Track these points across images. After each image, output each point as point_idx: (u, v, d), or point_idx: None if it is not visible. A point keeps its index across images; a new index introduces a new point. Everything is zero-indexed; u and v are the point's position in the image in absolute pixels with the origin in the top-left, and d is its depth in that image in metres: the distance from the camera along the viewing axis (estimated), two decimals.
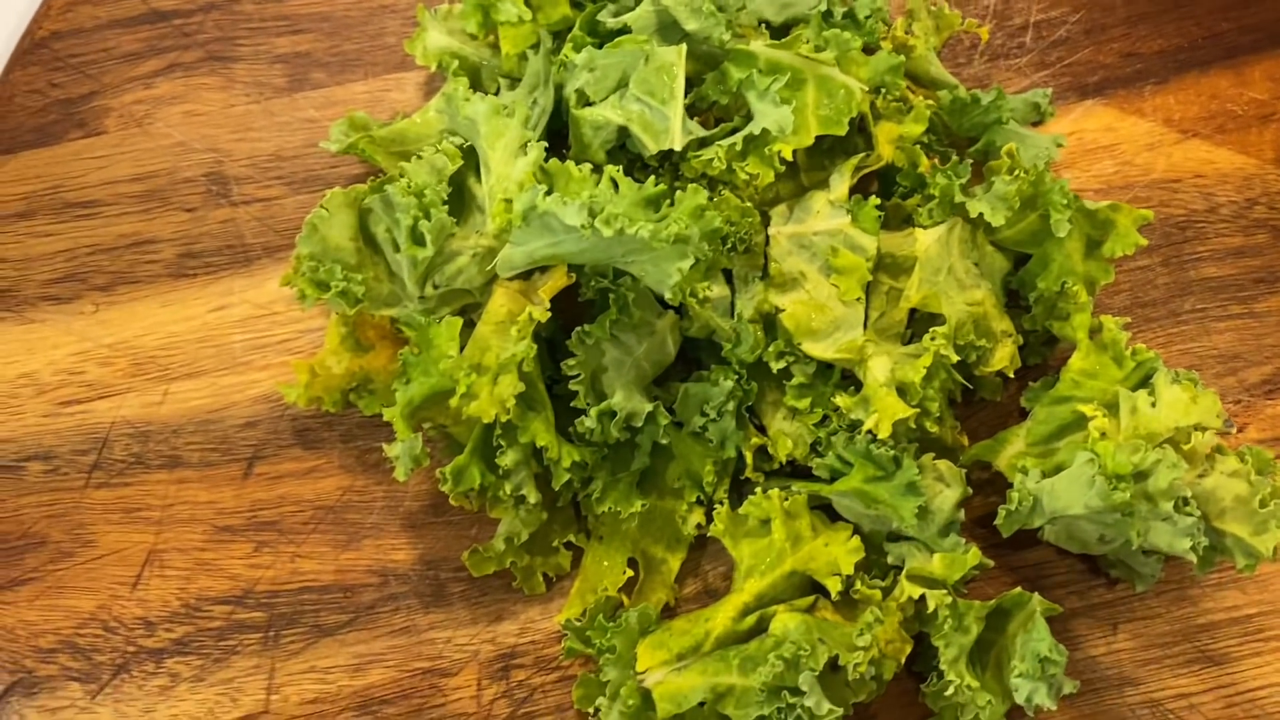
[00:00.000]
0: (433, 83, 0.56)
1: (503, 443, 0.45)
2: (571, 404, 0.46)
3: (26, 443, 0.49)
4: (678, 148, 0.46)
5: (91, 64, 0.54)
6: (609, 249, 0.43)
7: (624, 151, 0.48)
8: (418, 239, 0.45)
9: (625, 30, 0.49)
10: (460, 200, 0.46)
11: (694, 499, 0.48)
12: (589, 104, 0.47)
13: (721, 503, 0.48)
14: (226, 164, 0.54)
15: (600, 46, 0.49)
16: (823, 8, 0.50)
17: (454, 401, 0.43)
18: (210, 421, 0.51)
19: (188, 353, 0.51)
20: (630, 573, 0.49)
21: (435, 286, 0.46)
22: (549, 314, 0.45)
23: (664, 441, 0.47)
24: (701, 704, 0.43)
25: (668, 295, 0.44)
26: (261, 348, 0.52)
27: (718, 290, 0.47)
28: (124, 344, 0.51)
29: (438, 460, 0.49)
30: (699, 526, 0.49)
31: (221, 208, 0.53)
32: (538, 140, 0.46)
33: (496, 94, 0.53)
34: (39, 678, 0.47)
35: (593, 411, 0.45)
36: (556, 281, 0.44)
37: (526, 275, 0.45)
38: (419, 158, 0.47)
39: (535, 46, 0.51)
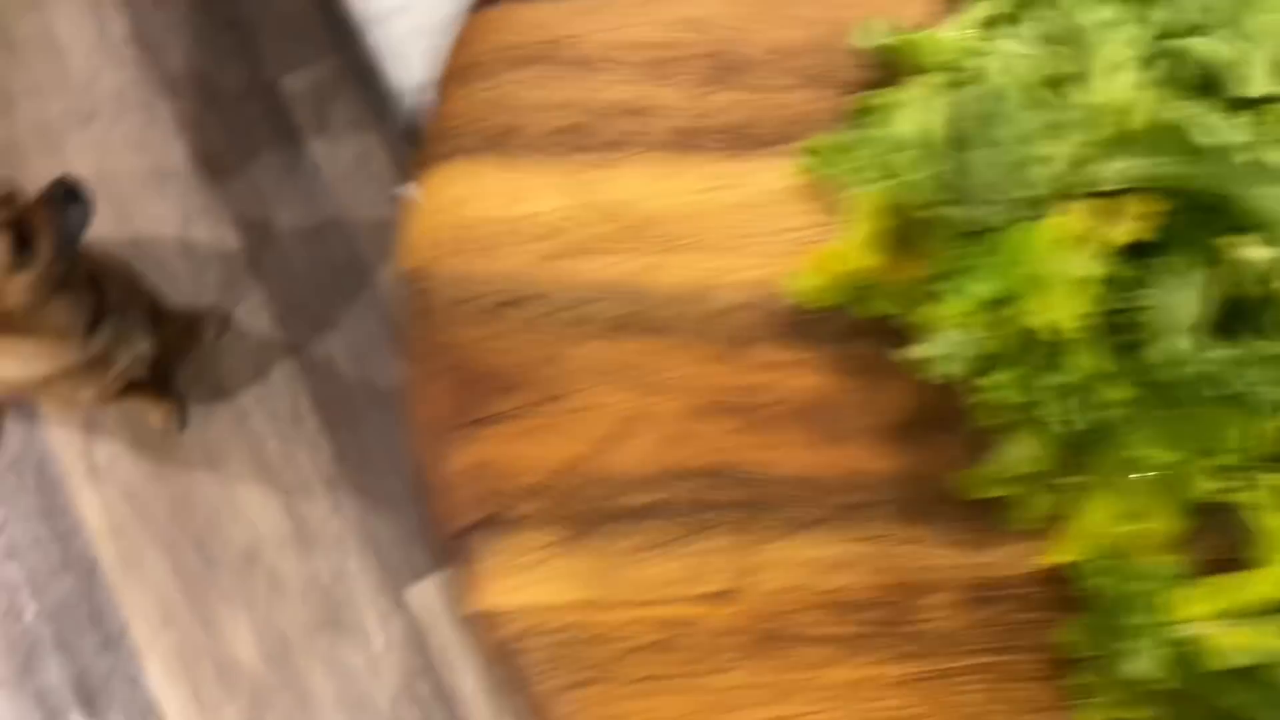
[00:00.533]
0: (951, 1, 0.54)
1: (1053, 363, 0.43)
2: (1126, 338, 0.44)
3: (517, 284, 0.49)
4: (1264, 92, 0.44)
5: None
6: (1223, 178, 0.41)
7: (1209, 91, 0.46)
8: (1001, 140, 0.43)
9: None
10: (1046, 108, 0.45)
11: (1217, 463, 0.46)
12: (1185, 36, 0.45)
13: (1245, 471, 0.46)
14: (740, 47, 0.53)
15: None
16: None
17: (1018, 311, 0.42)
18: (701, 297, 0.50)
19: (683, 226, 0.50)
20: (1130, 526, 0.47)
21: (1007, 192, 0.44)
22: (1132, 237, 0.43)
23: (1208, 394, 0.45)
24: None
25: None
26: (759, 235, 0.51)
27: None
28: (621, 205, 0.51)
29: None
30: (1213, 492, 0.46)
31: (727, 90, 0.52)
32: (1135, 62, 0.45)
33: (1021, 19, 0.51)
34: (511, 517, 0.47)
35: (1154, 349, 0.43)
36: (1148, 205, 0.42)
37: (1109, 194, 0.43)
38: (998, 59, 0.45)
39: None
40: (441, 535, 0.46)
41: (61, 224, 1.01)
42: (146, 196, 1.51)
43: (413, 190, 0.65)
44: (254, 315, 1.48)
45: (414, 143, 0.60)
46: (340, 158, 1.51)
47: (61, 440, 1.45)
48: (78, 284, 1.06)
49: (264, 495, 1.45)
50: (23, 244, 1.01)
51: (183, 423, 1.47)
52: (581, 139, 0.49)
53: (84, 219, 1.03)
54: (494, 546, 0.45)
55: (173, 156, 1.53)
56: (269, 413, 1.47)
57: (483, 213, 0.48)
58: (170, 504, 1.45)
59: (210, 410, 1.47)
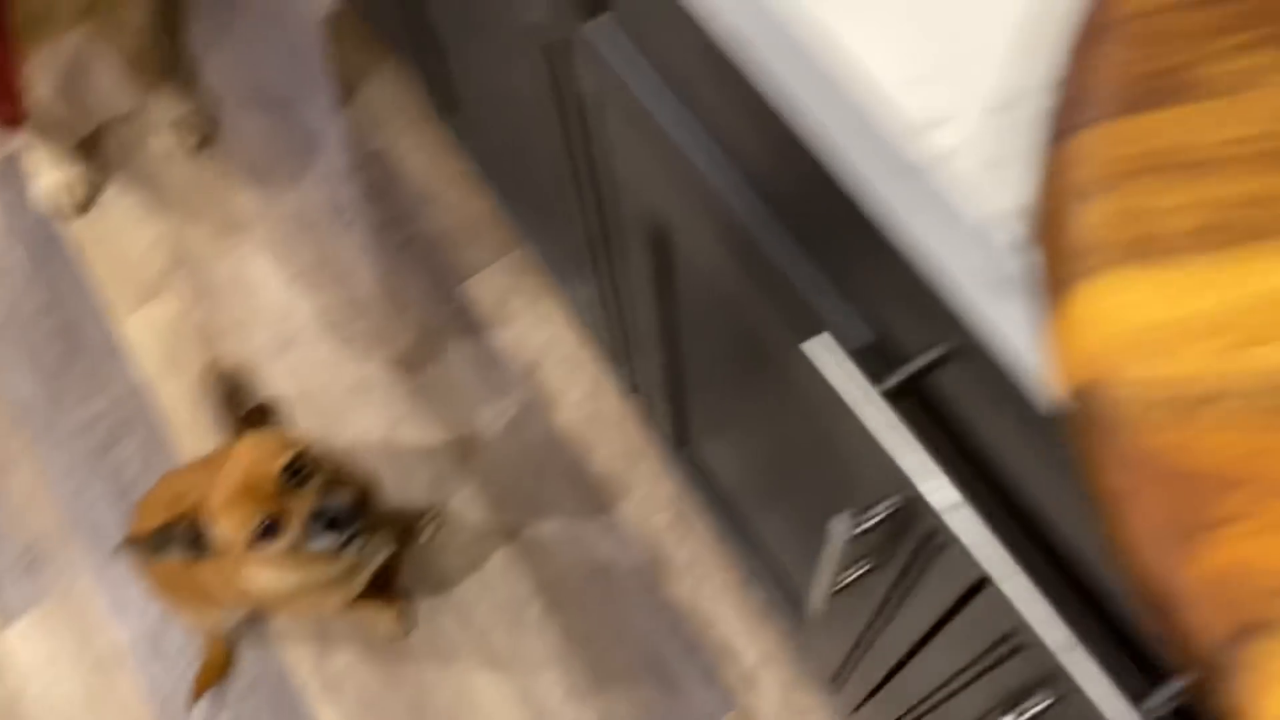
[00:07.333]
0: None
1: None
2: None
3: (1199, 383, 0.45)
4: None
5: (1170, 39, 0.53)
6: None
7: None
8: None
9: None
10: None
11: None
12: None
13: None
14: None
15: None
16: None
17: None
18: None
19: None
20: None
21: None
22: None
23: None
24: None
25: None
26: None
27: None
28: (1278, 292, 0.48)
29: None
30: None
31: None
32: None
33: None
34: (1273, 618, 0.42)
35: None
36: None
37: None
38: None
39: None
40: (1195, 652, 0.42)
41: (319, 512, 1.00)
42: (351, 410, 1.51)
43: (821, 345, 0.62)
44: (468, 507, 1.45)
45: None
46: (529, 347, 1.52)
47: (296, 656, 1.39)
48: (344, 514, 1.03)
49: (498, 686, 1.38)
50: (277, 523, 0.99)
51: (410, 624, 1.41)
52: (1220, 235, 0.47)
53: (347, 512, 1.02)
54: (1262, 652, 0.40)
55: (371, 368, 1.53)
56: (493, 603, 1.42)
57: (1144, 319, 0.46)
58: (407, 708, 1.38)
59: (435, 608, 1.42)
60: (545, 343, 1.50)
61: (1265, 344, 0.44)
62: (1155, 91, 0.48)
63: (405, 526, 1.40)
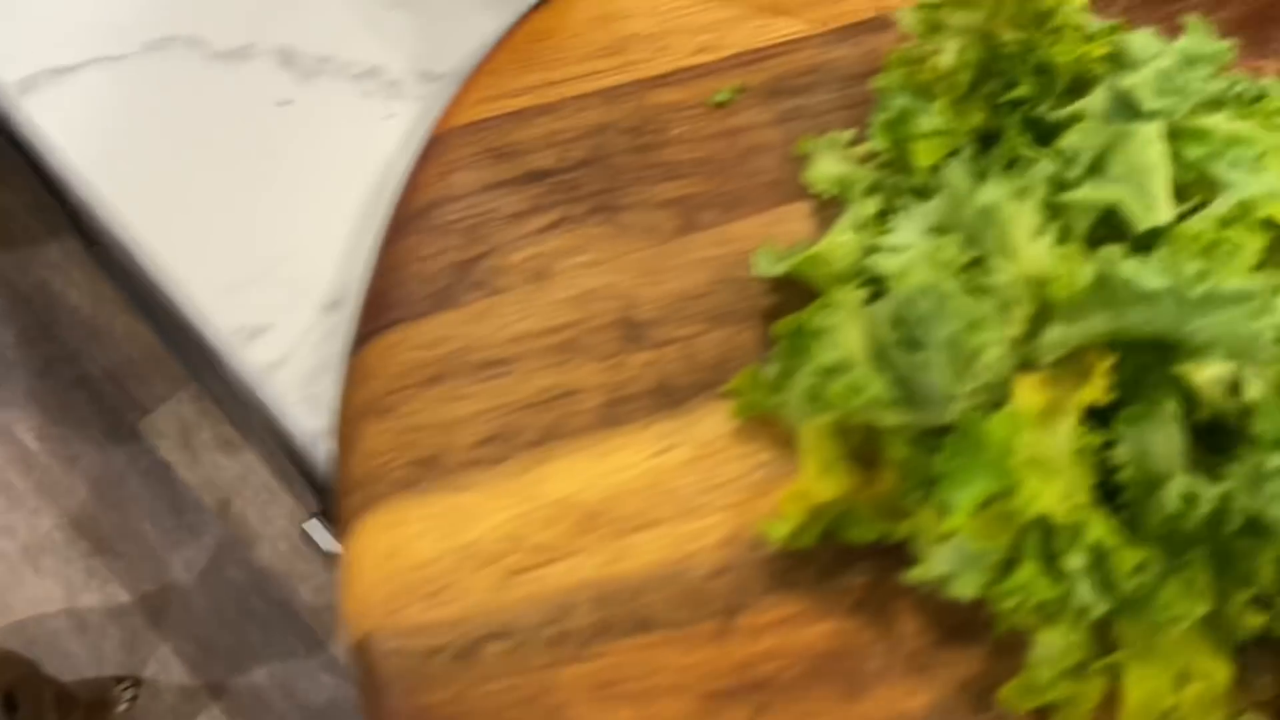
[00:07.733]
0: (823, 211, 0.52)
1: (1068, 545, 0.38)
2: (1119, 499, 0.40)
3: (479, 622, 0.42)
4: (1167, 220, 0.42)
5: (477, 226, 0.50)
6: (1179, 318, 0.38)
7: (1111, 236, 0.44)
8: (943, 335, 0.40)
9: (1074, 120, 0.46)
10: (978, 293, 0.41)
11: (1248, 597, 0.42)
12: (1065, 189, 0.43)
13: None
14: (635, 308, 0.49)
15: (1042, 141, 0.46)
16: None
17: (1017, 503, 0.38)
18: (676, 575, 0.43)
19: (636, 503, 0.45)
20: (1184, 687, 0.42)
21: (960, 388, 0.40)
22: (1096, 396, 0.39)
23: (1227, 528, 0.41)
24: None
25: (1261, 357, 0.39)
26: (714, 489, 0.46)
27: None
28: (566, 501, 0.45)
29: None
30: (1259, 629, 0.42)
31: (640, 351, 0.48)
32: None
33: (896, 213, 0.49)
34: None
35: (1173, 494, 0.39)
36: (1099, 362, 0.39)
37: (1058, 362, 0.40)
38: (900, 257, 0.43)
39: (950, 155, 0.48)
40: None
41: None
42: (23, 579, 1.38)
43: (316, 529, 0.58)
44: (167, 667, 1.34)
45: (320, 490, 0.54)
46: (219, 482, 1.42)
47: None
48: None
49: None
50: None
51: None
52: (508, 444, 0.44)
53: None
54: None
55: (42, 530, 1.41)
56: None
57: (422, 554, 0.42)
58: None
59: None
60: (237, 475, 1.40)
61: (549, 563, 0.41)
62: (456, 286, 0.45)
63: (95, 701, 1.27)
